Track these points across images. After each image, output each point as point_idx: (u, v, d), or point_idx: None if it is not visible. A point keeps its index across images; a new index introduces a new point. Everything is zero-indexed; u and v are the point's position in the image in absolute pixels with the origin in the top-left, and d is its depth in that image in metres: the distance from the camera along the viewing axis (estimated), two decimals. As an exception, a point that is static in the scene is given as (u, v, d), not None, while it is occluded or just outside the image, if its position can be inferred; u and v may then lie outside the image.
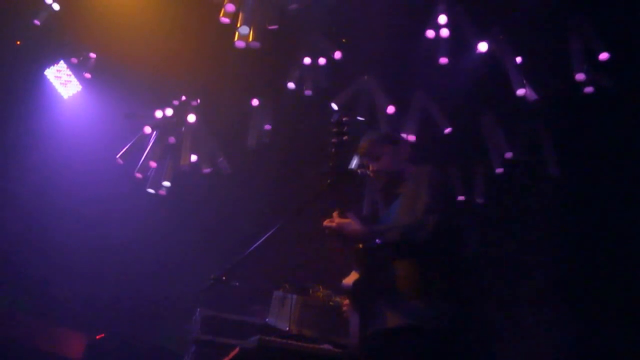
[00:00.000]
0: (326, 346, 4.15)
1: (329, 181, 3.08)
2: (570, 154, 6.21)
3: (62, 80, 7.09)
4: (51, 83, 7.07)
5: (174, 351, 6.02)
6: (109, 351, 6.98)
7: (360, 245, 3.01)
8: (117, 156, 6.57)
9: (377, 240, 2.86)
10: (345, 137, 3.04)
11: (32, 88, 7.09)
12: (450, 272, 2.94)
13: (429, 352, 2.74)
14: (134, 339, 6.96)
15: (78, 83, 7.05)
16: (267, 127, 6.69)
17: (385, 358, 2.84)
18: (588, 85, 5.67)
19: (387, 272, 2.91)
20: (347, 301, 3.28)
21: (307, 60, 6.30)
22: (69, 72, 7.02)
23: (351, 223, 2.89)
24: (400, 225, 2.87)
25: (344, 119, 3.08)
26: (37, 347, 7.12)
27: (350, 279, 2.99)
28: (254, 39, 5.48)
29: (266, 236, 4.38)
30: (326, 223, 2.94)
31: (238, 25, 5.40)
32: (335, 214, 2.96)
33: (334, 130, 3.04)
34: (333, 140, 3.03)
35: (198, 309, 5.05)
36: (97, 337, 7.22)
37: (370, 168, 3.26)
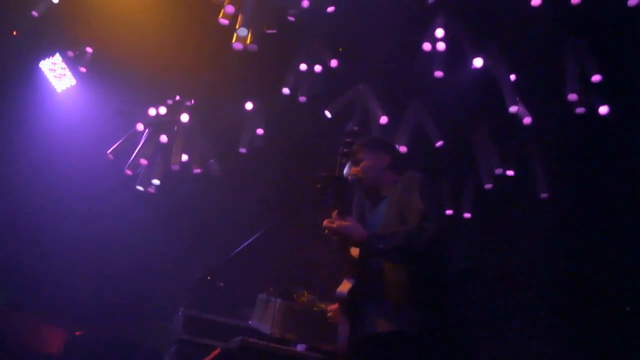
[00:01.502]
0: (307, 350, 4.16)
1: (318, 186, 3.08)
2: (559, 173, 6.26)
3: (57, 74, 7.05)
4: (45, 76, 7.03)
5: (154, 350, 5.98)
6: (88, 348, 6.92)
7: (357, 254, 3.01)
8: (108, 152, 6.55)
9: (380, 246, 2.84)
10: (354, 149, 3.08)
11: (26, 80, 7.05)
12: (440, 280, 2.96)
13: (415, 358, 2.74)
14: (115, 337, 6.90)
15: (72, 77, 7.02)
16: (260, 131, 6.69)
17: None
18: (580, 106, 5.74)
19: (380, 280, 2.92)
20: (332, 308, 3.28)
21: (303, 67, 6.32)
22: (64, 65, 6.98)
23: (352, 226, 2.88)
24: (403, 232, 2.85)
25: (355, 129, 3.10)
26: (16, 340, 7.06)
27: (344, 287, 2.98)
28: (251, 42, 5.49)
29: (252, 239, 4.40)
30: (326, 223, 2.92)
31: (237, 27, 5.41)
32: (334, 214, 2.94)
33: (346, 140, 3.05)
34: (343, 150, 3.04)
35: (181, 309, 5.03)
36: (76, 333, 7.16)
37: (351, 170, 3.29)
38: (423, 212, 2.86)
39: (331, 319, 3.23)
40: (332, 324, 3.21)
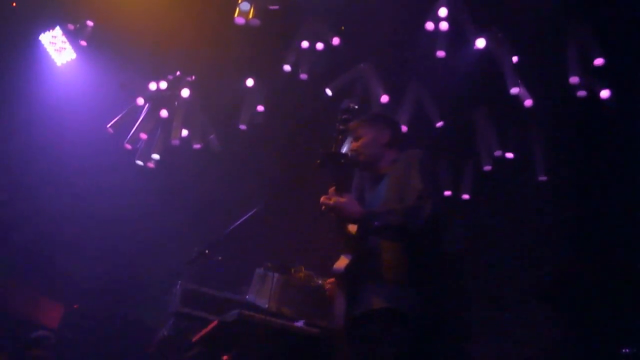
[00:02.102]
0: (304, 325, 4.18)
1: (318, 162, 3.07)
2: (559, 157, 6.26)
3: (57, 47, 7.00)
4: (45, 49, 6.99)
5: (150, 325, 6.00)
6: (85, 322, 6.97)
7: (354, 230, 3.02)
8: (108, 126, 6.53)
9: (375, 223, 2.85)
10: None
11: (26, 53, 7.01)
12: (436, 259, 2.97)
13: (410, 336, 2.75)
14: (112, 311, 6.94)
15: (73, 51, 6.97)
16: (260, 108, 6.68)
17: (368, 339, 2.84)
18: (581, 89, 5.73)
19: (376, 257, 2.92)
20: (329, 284, 3.29)
21: (305, 44, 6.29)
22: (64, 38, 6.94)
23: (349, 203, 2.87)
24: (399, 209, 2.85)
25: (352, 106, 3.08)
26: (14, 312, 7.10)
27: (341, 263, 2.98)
28: (254, 17, 5.45)
29: (251, 213, 4.39)
30: (323, 199, 2.91)
31: (239, 1, 5.37)
32: (331, 190, 2.94)
33: (343, 117, 3.03)
34: (340, 126, 3.02)
35: (179, 282, 5.04)
36: (74, 306, 7.20)
37: (352, 146, 3.28)
38: (421, 190, 2.85)
39: (329, 291, 3.24)
40: (328, 300, 3.22)
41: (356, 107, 3.09)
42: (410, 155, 3.09)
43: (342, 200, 2.87)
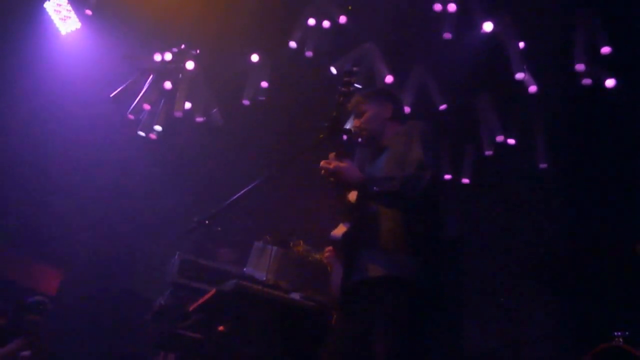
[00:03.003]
0: (301, 298, 4.22)
1: (321, 136, 3.07)
2: (561, 144, 6.27)
3: (62, 16, 6.96)
4: (50, 17, 6.95)
5: (148, 295, 6.03)
6: (83, 290, 7.00)
7: (353, 199, 3.03)
8: (111, 95, 6.52)
9: (374, 189, 2.86)
10: (352, 89, 3.04)
11: (30, 20, 6.97)
12: (434, 229, 2.98)
13: (406, 303, 2.77)
14: (110, 280, 6.97)
15: (77, 20, 6.94)
16: (264, 84, 6.67)
17: (365, 306, 2.86)
18: (587, 77, 5.71)
19: (374, 225, 2.93)
20: (327, 253, 3.31)
21: (311, 22, 6.27)
22: (69, 7, 6.90)
23: (349, 168, 2.89)
24: (399, 177, 2.86)
25: (354, 69, 3.07)
26: (12, 279, 7.12)
27: (339, 230, 3.00)
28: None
29: (252, 185, 4.39)
30: (323, 164, 2.92)
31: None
32: (332, 155, 2.95)
33: (345, 79, 3.02)
34: (342, 89, 3.02)
35: (177, 253, 5.07)
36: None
37: (354, 123, 3.29)
38: (420, 160, 2.87)
39: (326, 259, 3.26)
40: (326, 274, 3.25)
41: (357, 69, 3.08)
42: (412, 126, 3.11)
43: (342, 164, 2.89)
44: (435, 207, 3.03)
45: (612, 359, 3.88)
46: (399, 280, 2.79)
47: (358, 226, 2.97)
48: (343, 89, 3.00)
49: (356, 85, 3.15)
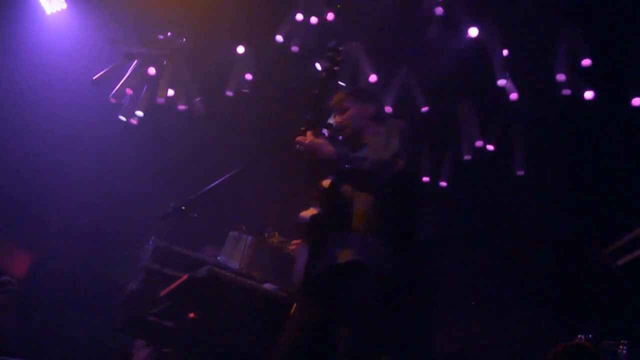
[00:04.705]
0: (272, 287, 4.23)
1: (302, 129, 3.08)
2: (538, 152, 6.36)
3: (48, -5, 6.90)
4: (35, -4, 6.87)
5: (120, 280, 5.99)
6: (54, 272, 6.92)
7: (327, 185, 3.05)
8: (94, 78, 6.46)
9: (346, 166, 2.88)
10: (336, 68, 3.04)
11: (14, -2, 6.89)
12: (407, 216, 3.01)
13: (373, 289, 2.77)
14: (83, 264, 6.91)
15: (63, 1, 6.87)
16: (248, 76, 6.67)
17: (330, 294, 2.85)
18: (567, 87, 5.81)
19: (346, 208, 2.94)
20: (295, 243, 3.29)
21: (299, 17, 6.29)
22: (56, -13, 6.84)
23: (323, 144, 2.89)
24: (373, 159, 2.89)
25: (338, 47, 3.08)
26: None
27: (309, 212, 3.02)
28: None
29: (230, 174, 4.39)
30: (299, 139, 2.92)
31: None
32: (308, 133, 2.96)
33: (329, 54, 3.02)
34: (325, 64, 3.02)
35: (152, 238, 5.05)
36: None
37: (336, 119, 3.31)
38: (396, 151, 2.90)
39: (292, 251, 3.25)
40: (292, 259, 3.21)
41: (340, 47, 3.09)
42: (393, 125, 3.13)
43: (318, 140, 2.90)
44: (411, 197, 3.05)
45: (573, 356, 3.96)
46: (367, 267, 2.79)
47: (330, 208, 2.97)
48: (326, 64, 3.01)
49: (340, 83, 3.17)
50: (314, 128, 2.95)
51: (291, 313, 3.13)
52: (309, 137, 2.91)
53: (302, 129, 3.03)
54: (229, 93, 6.60)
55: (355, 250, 2.82)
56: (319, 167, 3.00)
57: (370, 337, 2.74)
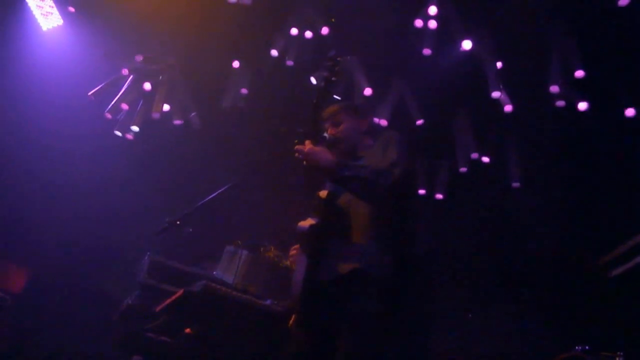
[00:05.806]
0: (269, 303, 4.22)
1: (296, 141, 3.11)
2: (534, 164, 6.38)
3: (44, 11, 6.90)
4: (32, 12, 6.90)
5: (116, 295, 5.97)
6: (50, 289, 6.90)
7: (324, 195, 3.06)
8: (90, 93, 6.48)
9: (345, 173, 2.89)
10: (334, 78, 3.07)
11: (10, 14, 6.91)
12: (405, 223, 3.03)
13: (374, 297, 2.81)
14: (79, 279, 6.89)
15: (60, 17, 6.90)
16: (244, 90, 6.69)
17: (331, 304, 2.87)
18: (560, 99, 5.84)
19: (345, 217, 2.97)
20: (293, 251, 3.29)
21: (294, 31, 6.32)
22: (51, 3, 6.85)
23: (322, 151, 2.93)
24: (371, 167, 2.93)
25: (339, 58, 3.10)
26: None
27: (307, 222, 3.03)
28: (246, -5, 5.47)
29: (225, 188, 4.39)
30: (297, 147, 2.97)
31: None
32: (307, 142, 2.99)
33: (328, 64, 3.06)
34: (324, 74, 3.06)
35: (147, 254, 5.05)
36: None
37: (329, 132, 3.32)
38: (394, 160, 2.94)
39: (291, 258, 3.25)
40: (291, 268, 3.21)
41: (340, 57, 3.12)
42: (387, 135, 3.16)
43: (317, 148, 2.94)
44: (409, 205, 3.08)
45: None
46: (369, 275, 2.82)
47: (329, 218, 2.99)
48: (326, 74, 3.04)
49: (335, 96, 3.19)
50: (313, 137, 2.98)
51: (290, 325, 3.14)
52: (308, 145, 2.94)
53: (296, 141, 3.07)
54: (225, 107, 6.61)
55: (357, 259, 2.85)
56: (318, 174, 3.03)
57: (372, 344, 2.77)
